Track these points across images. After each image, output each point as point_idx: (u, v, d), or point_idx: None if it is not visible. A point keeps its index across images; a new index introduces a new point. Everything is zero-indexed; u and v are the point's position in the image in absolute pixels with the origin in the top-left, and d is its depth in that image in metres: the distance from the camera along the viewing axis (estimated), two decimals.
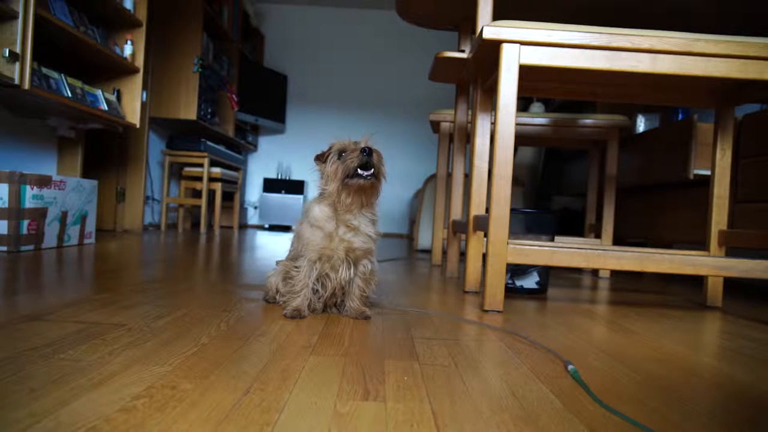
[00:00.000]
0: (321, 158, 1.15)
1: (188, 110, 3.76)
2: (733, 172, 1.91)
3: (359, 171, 1.06)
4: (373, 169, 1.06)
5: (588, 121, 2.40)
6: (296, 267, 1.11)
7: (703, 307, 1.59)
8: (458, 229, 1.97)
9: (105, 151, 3.41)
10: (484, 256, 1.39)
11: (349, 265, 1.12)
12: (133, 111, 2.96)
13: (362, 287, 1.14)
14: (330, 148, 1.12)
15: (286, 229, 5.21)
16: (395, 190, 5.58)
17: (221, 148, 4.22)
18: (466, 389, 0.70)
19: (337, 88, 5.68)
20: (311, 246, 1.10)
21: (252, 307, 1.18)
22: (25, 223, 1.97)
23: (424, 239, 3.36)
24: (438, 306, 1.35)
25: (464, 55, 1.79)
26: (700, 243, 1.78)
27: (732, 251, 1.63)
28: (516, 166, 3.45)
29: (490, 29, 1.29)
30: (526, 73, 1.47)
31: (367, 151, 1.06)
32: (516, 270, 1.65)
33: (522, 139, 2.60)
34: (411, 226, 4.87)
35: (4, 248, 1.92)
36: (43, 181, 2.05)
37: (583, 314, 1.36)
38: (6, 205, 1.92)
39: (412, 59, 5.55)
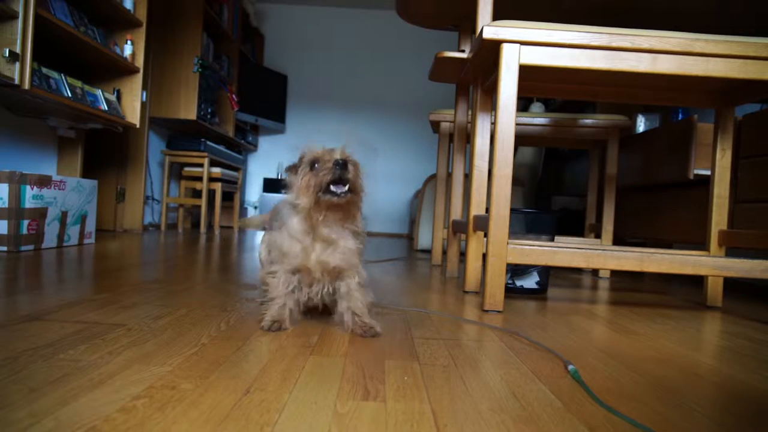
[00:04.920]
0: (293, 169, 1.03)
1: (188, 110, 3.76)
2: (733, 172, 1.91)
3: (332, 187, 0.94)
4: (348, 185, 0.95)
5: (588, 121, 2.40)
6: (271, 273, 1.02)
7: (703, 307, 1.59)
8: (458, 229, 1.97)
9: (105, 151, 3.41)
10: (484, 256, 1.39)
11: (326, 284, 1.02)
12: (133, 111, 2.96)
13: (360, 298, 1.01)
14: (302, 158, 1.01)
15: None
16: (395, 190, 5.58)
17: (221, 148, 4.21)
18: (466, 389, 0.70)
19: (337, 88, 5.67)
20: (289, 258, 1.00)
21: (252, 307, 1.18)
22: (25, 223, 1.97)
23: (424, 239, 3.36)
24: (438, 306, 1.35)
25: (464, 55, 1.79)
26: (700, 243, 1.78)
27: (732, 251, 1.63)
28: (516, 166, 3.45)
29: (490, 29, 1.29)
30: (526, 73, 1.47)
31: (341, 164, 0.93)
32: (516, 270, 1.65)
33: (522, 139, 2.60)
34: (411, 226, 4.87)
35: (4, 248, 1.92)
36: (43, 181, 2.05)
37: (583, 314, 1.36)
38: (6, 205, 1.92)
39: (412, 59, 5.54)
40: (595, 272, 2.45)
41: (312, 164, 0.97)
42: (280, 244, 1.02)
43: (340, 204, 0.95)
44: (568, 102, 3.53)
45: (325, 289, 1.02)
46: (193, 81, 3.76)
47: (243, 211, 5.49)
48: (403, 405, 0.63)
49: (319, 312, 1.10)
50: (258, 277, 1.21)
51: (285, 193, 1.04)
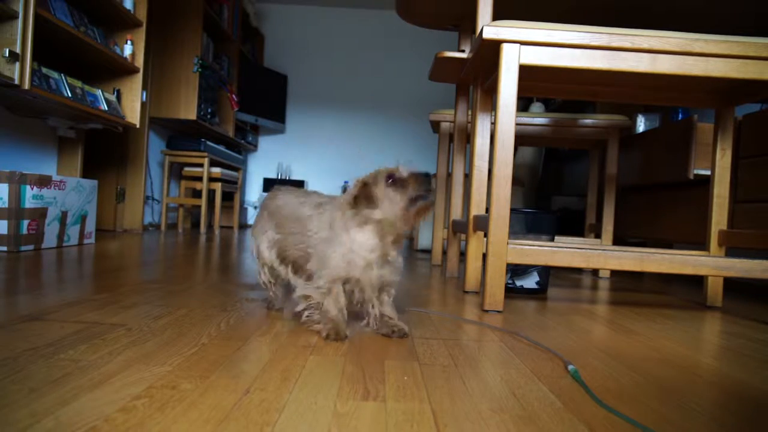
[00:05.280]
0: (367, 185, 1.00)
1: (188, 110, 3.76)
2: (733, 172, 1.91)
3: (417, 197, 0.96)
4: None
5: (588, 121, 2.40)
6: (319, 288, 0.98)
7: (703, 307, 1.59)
8: (458, 229, 1.97)
9: (105, 151, 3.41)
10: (484, 256, 1.39)
11: (373, 301, 1.04)
12: (133, 111, 2.96)
13: (390, 304, 1.06)
14: (376, 174, 1.01)
15: None
16: None
17: (221, 148, 4.21)
18: (466, 389, 0.70)
19: (337, 88, 5.67)
20: (348, 271, 0.98)
21: (252, 307, 1.18)
22: (25, 223, 1.97)
23: (424, 239, 3.36)
24: (438, 306, 1.35)
25: (464, 55, 1.79)
26: (700, 243, 1.78)
27: (732, 251, 1.63)
28: (516, 166, 3.45)
29: (490, 29, 1.29)
30: (526, 73, 1.47)
31: (429, 177, 0.97)
32: (516, 270, 1.65)
33: (522, 139, 2.60)
34: None
35: (4, 248, 1.92)
36: (43, 181, 2.05)
37: (583, 314, 1.36)
38: (6, 205, 1.92)
39: (412, 59, 5.54)
40: (595, 272, 2.45)
41: (388, 178, 0.97)
42: (332, 255, 0.98)
43: (427, 208, 0.96)
44: (568, 102, 3.53)
45: (375, 304, 1.03)
46: (193, 81, 3.76)
47: (243, 211, 5.49)
48: (403, 405, 0.63)
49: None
50: (257, 275, 1.21)
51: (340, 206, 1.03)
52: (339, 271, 0.97)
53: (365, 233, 0.99)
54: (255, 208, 5.63)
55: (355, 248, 0.98)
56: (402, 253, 1.07)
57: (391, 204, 0.97)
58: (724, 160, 1.61)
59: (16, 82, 1.99)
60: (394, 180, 0.97)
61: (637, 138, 2.54)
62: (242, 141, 5.02)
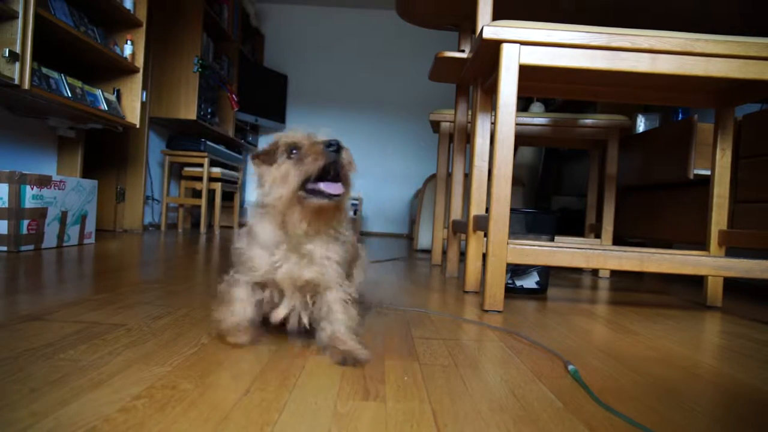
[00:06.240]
0: (263, 156, 0.81)
1: (188, 110, 3.76)
2: (733, 172, 1.91)
3: (321, 185, 0.74)
4: (340, 181, 0.75)
5: (588, 121, 2.40)
6: (234, 283, 0.86)
7: (703, 307, 1.59)
8: (458, 229, 1.97)
9: (105, 151, 3.41)
10: (484, 256, 1.39)
11: (303, 301, 0.84)
12: (133, 111, 2.96)
13: (342, 320, 0.82)
14: (276, 143, 0.80)
15: None
16: (395, 190, 5.58)
17: (221, 148, 4.21)
18: (466, 389, 0.70)
19: (337, 88, 5.67)
20: (254, 269, 0.81)
21: None
22: (25, 223, 1.97)
23: (424, 239, 3.36)
24: (438, 306, 1.35)
25: (464, 55, 1.79)
26: (700, 243, 1.78)
27: (732, 251, 1.63)
28: (516, 166, 3.45)
29: (490, 29, 1.29)
30: (526, 73, 1.47)
31: (335, 147, 0.74)
32: (516, 270, 1.65)
33: (522, 139, 2.60)
34: (411, 226, 4.87)
35: (4, 248, 1.92)
36: (43, 181, 2.05)
37: (583, 314, 1.36)
38: (6, 205, 1.92)
39: (412, 59, 5.54)
40: (595, 272, 2.45)
41: (290, 150, 0.77)
42: (244, 254, 0.83)
43: (329, 208, 0.76)
44: (568, 102, 3.53)
45: (302, 312, 0.84)
46: (193, 81, 3.76)
47: (243, 211, 5.49)
48: (403, 405, 0.63)
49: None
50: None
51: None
52: (254, 269, 0.80)
53: (266, 227, 0.80)
54: None
55: (261, 243, 0.81)
56: (345, 242, 0.85)
57: (281, 184, 0.75)
58: (724, 160, 1.61)
59: (16, 82, 1.99)
60: (290, 151, 0.75)
61: (637, 138, 2.54)
62: (242, 141, 5.02)
